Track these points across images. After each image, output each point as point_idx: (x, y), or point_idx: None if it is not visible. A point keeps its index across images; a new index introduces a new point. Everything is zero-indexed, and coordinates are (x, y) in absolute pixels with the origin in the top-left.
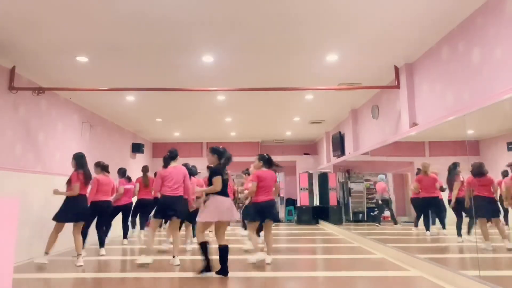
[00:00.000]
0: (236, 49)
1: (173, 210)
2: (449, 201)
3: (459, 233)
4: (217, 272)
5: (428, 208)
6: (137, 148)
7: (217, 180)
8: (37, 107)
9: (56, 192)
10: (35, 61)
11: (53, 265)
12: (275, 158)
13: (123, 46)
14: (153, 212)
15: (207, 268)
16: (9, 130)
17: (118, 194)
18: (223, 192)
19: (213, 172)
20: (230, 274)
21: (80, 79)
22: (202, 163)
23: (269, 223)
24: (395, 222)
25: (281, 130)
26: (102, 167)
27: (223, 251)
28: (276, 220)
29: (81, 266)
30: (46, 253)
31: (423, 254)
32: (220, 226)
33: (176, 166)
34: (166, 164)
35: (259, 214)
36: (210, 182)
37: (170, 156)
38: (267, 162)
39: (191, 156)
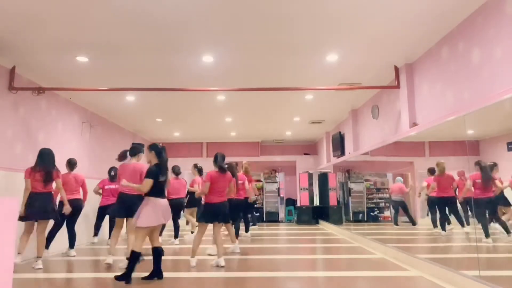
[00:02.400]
0: (236, 49)
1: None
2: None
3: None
4: (151, 276)
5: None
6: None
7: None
8: (37, 107)
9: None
10: (35, 61)
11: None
12: (275, 158)
13: (123, 46)
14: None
15: (128, 277)
16: (9, 130)
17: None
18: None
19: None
20: (230, 274)
21: (80, 79)
22: (202, 163)
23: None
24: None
25: (281, 130)
26: (69, 163)
27: (158, 253)
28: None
29: (40, 268)
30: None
31: (423, 254)
32: (154, 229)
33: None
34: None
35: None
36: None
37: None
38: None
39: (191, 156)
